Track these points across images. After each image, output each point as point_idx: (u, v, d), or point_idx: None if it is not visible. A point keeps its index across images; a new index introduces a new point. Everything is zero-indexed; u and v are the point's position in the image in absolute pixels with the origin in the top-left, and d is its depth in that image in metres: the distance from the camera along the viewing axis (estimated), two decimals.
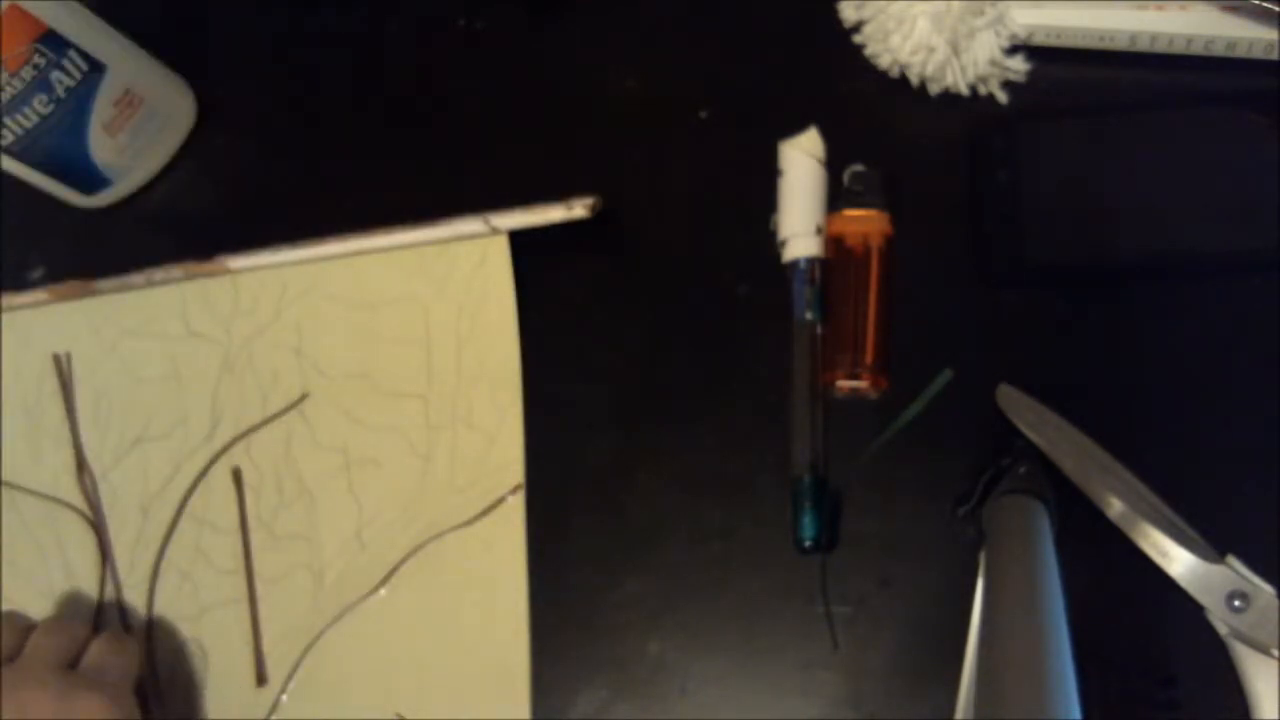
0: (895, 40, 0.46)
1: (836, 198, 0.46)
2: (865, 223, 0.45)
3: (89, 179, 0.53)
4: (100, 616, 0.49)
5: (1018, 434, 0.41)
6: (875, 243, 0.45)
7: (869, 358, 0.44)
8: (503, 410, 0.47)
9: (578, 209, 0.46)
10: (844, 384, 0.44)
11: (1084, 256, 0.44)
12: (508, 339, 0.47)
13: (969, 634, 0.40)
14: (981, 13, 0.44)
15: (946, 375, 0.43)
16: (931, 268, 0.45)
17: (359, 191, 0.52)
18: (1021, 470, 0.41)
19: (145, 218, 0.55)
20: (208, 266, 0.50)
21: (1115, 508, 0.40)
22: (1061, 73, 0.46)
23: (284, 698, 0.46)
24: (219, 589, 0.48)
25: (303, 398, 0.49)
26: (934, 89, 0.47)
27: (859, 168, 0.46)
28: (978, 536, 0.40)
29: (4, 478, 0.52)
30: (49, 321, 0.53)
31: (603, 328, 0.48)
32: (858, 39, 0.48)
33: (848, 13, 0.48)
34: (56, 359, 0.53)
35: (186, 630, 0.48)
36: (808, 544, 0.42)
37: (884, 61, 0.47)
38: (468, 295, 0.48)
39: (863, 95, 0.48)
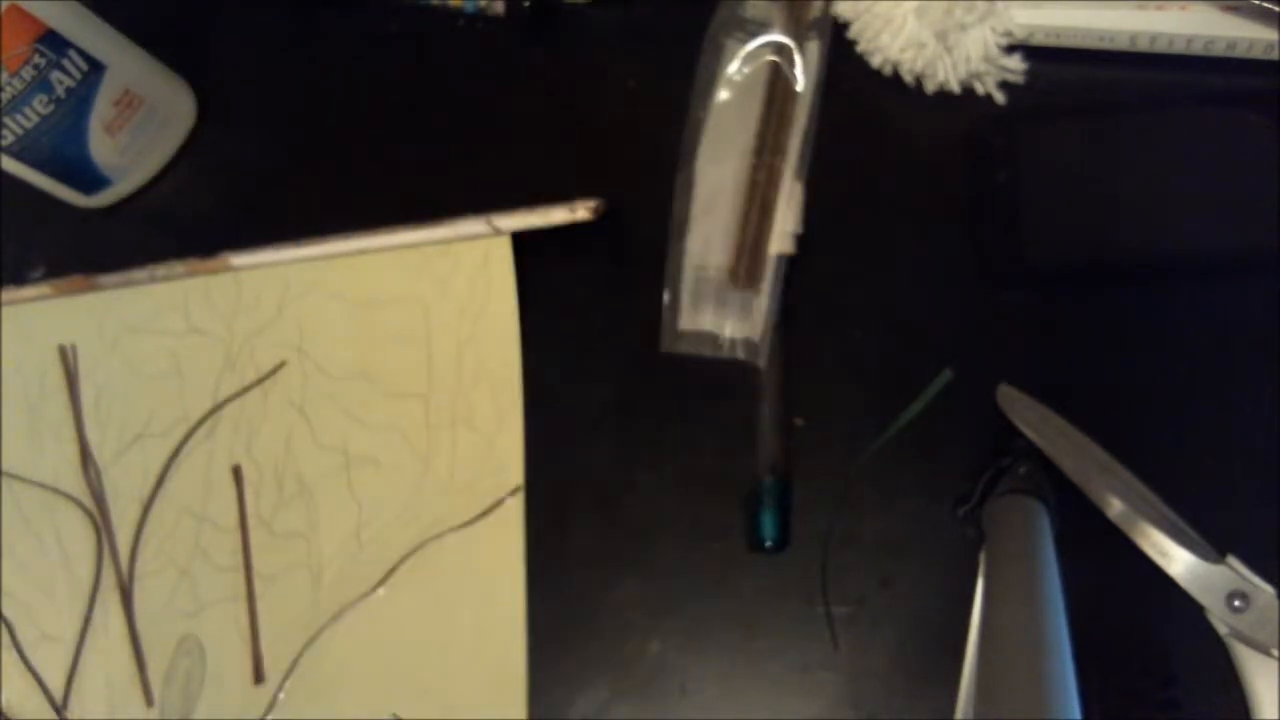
0: (885, 38, 0.46)
1: None
2: None
3: (89, 179, 0.53)
4: (93, 610, 0.49)
5: (1018, 434, 0.41)
6: None
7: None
8: (503, 412, 0.47)
9: (581, 211, 0.46)
10: None
11: (1084, 256, 0.44)
12: (509, 340, 0.47)
13: (969, 634, 0.40)
14: (972, 10, 0.44)
15: (946, 375, 0.43)
16: (931, 268, 0.45)
17: (360, 191, 0.52)
18: (1021, 470, 0.41)
19: (145, 217, 0.55)
20: (210, 263, 0.50)
21: (1115, 508, 0.40)
22: (1061, 72, 0.46)
23: (281, 696, 0.46)
24: (218, 586, 0.48)
25: (278, 367, 0.49)
26: (929, 86, 0.47)
27: None
28: (978, 536, 0.40)
29: (8, 473, 0.52)
30: (51, 316, 0.53)
31: (603, 328, 0.48)
32: (850, 35, 0.48)
33: (843, 10, 0.48)
34: (63, 350, 0.53)
35: (185, 627, 0.48)
36: (769, 544, 0.43)
37: (876, 60, 0.47)
38: (470, 296, 0.48)
39: (861, 95, 0.48)
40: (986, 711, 0.32)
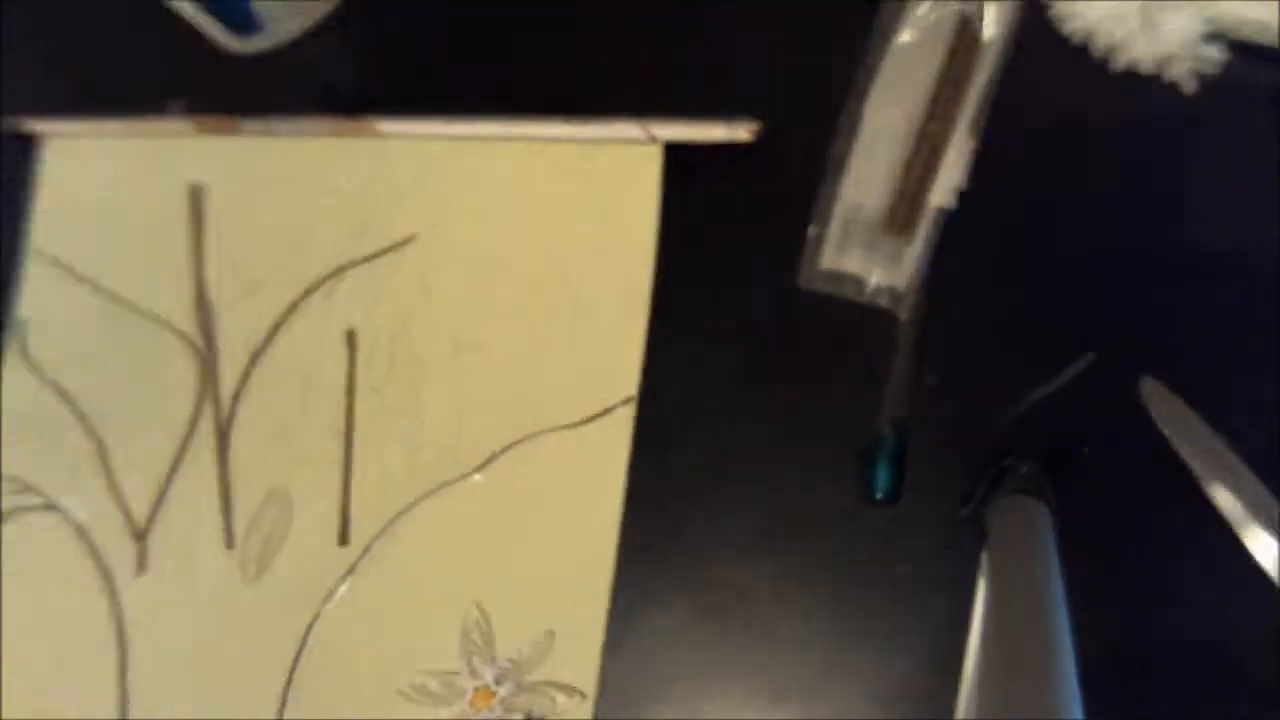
0: (1086, 4, 0.44)
1: None
2: None
3: (244, 21, 0.53)
4: (187, 447, 0.50)
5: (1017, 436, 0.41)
6: None
7: None
8: (626, 320, 0.46)
9: (741, 131, 0.45)
10: None
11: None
12: (644, 250, 0.46)
13: (970, 634, 0.40)
14: None
15: (1088, 358, 0.42)
16: (1088, 246, 0.44)
17: (517, 76, 0.51)
18: (1024, 470, 0.41)
19: (292, 71, 0.54)
20: (356, 125, 0.50)
21: (1230, 507, 0.39)
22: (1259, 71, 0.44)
23: (363, 562, 0.47)
24: (316, 445, 0.48)
25: (407, 240, 0.49)
26: (1118, 61, 0.45)
27: None
28: (980, 536, 0.40)
29: (122, 300, 0.52)
30: (187, 152, 0.53)
31: (741, 251, 0.47)
32: None
33: None
34: (193, 189, 0.52)
35: (276, 479, 0.48)
36: (880, 496, 0.42)
37: (1071, 25, 0.45)
38: (612, 199, 0.47)
39: (1046, 57, 0.46)
40: (988, 711, 0.32)
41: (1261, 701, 0.39)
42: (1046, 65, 0.46)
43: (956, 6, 0.45)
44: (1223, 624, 0.40)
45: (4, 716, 0.48)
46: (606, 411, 0.46)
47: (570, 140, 0.48)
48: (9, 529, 0.51)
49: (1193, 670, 0.40)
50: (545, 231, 0.48)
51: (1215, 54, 0.44)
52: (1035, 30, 0.46)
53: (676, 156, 0.47)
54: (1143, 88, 0.45)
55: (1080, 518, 0.40)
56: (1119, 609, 0.40)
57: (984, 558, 0.39)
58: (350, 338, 0.49)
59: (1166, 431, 0.41)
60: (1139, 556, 0.41)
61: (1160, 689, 0.40)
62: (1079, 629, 0.33)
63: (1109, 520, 0.41)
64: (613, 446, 0.45)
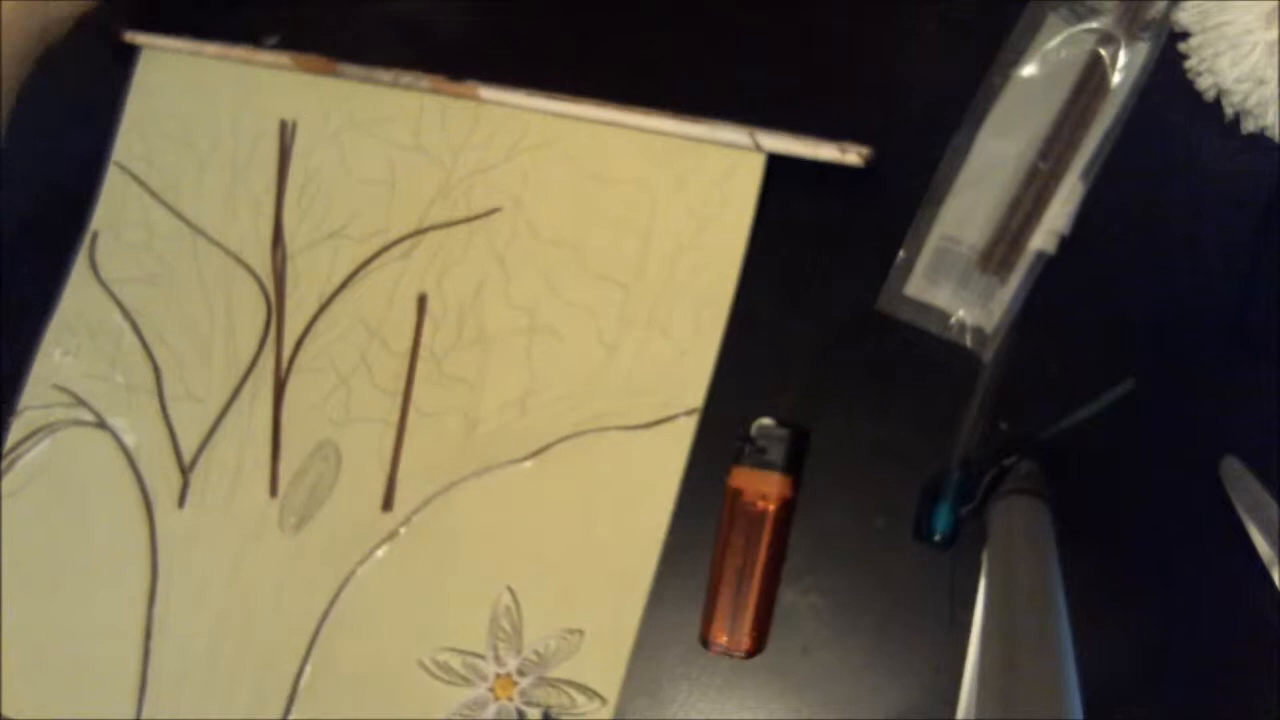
0: (1223, 63, 0.43)
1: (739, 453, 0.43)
2: (764, 483, 0.42)
3: None
4: (244, 385, 0.50)
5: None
6: (771, 506, 0.42)
7: (747, 625, 0.41)
8: (702, 328, 0.45)
9: (851, 155, 0.43)
10: (718, 642, 0.42)
11: None
12: (731, 259, 0.45)
13: (970, 633, 0.39)
14: None
15: (1129, 384, 0.41)
16: (1185, 313, 0.42)
17: (626, 63, 0.49)
18: (1024, 470, 0.40)
19: (394, 21, 0.53)
20: (457, 86, 0.49)
21: None
22: None
23: (403, 530, 0.46)
24: (372, 405, 0.48)
25: (491, 211, 0.48)
26: (1247, 125, 0.43)
27: (767, 421, 0.43)
28: (980, 536, 0.39)
29: (197, 227, 0.52)
30: (280, 88, 0.52)
31: (827, 269, 0.45)
32: (1183, 48, 0.44)
33: (1185, 20, 0.44)
34: (283, 125, 0.52)
35: (328, 433, 0.48)
36: (937, 538, 0.41)
37: (1204, 82, 0.44)
38: (704, 202, 0.46)
39: (1172, 112, 0.44)
40: (989, 711, 0.31)
41: (1262, 701, 0.38)
42: (1172, 118, 0.44)
43: (1089, 47, 0.44)
44: (1222, 623, 0.40)
45: (29, 616, 0.49)
46: (669, 419, 0.45)
47: (673, 136, 0.46)
48: (57, 441, 0.51)
49: (1193, 670, 0.39)
50: (633, 225, 0.46)
51: None
52: (1166, 81, 0.44)
53: (773, 166, 0.45)
54: (1267, 155, 0.43)
55: (1080, 518, 0.39)
56: (1119, 608, 0.40)
57: (984, 557, 0.39)
58: (421, 302, 0.48)
59: (1243, 514, 0.39)
60: (1139, 556, 0.40)
61: (1160, 688, 0.39)
62: (1079, 628, 0.33)
63: (1109, 520, 0.41)
64: (670, 455, 0.44)
